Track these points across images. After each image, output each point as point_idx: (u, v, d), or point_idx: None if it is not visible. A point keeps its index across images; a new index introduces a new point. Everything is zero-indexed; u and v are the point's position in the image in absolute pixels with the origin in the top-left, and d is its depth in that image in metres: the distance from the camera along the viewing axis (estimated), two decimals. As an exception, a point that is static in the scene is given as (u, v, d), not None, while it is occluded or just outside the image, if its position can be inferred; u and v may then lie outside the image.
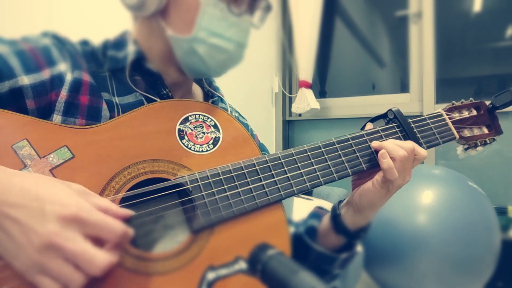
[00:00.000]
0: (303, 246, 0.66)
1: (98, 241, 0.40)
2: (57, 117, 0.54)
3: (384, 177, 0.59)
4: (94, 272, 0.39)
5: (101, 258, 0.39)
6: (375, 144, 0.62)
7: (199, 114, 0.60)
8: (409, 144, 0.60)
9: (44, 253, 0.37)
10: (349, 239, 0.65)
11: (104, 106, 0.57)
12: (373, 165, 0.63)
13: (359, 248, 1.26)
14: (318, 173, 0.59)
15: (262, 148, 0.77)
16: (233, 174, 0.55)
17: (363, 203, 0.62)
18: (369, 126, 0.66)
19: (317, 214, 0.72)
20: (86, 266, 0.38)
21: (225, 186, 0.54)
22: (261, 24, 0.65)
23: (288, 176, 0.58)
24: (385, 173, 0.58)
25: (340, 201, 0.67)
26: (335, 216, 0.65)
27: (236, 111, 0.80)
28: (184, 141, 0.56)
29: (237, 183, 0.55)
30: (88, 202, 0.42)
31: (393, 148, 0.59)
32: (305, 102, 2.10)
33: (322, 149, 0.61)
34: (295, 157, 0.59)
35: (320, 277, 0.35)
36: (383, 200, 0.62)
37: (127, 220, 0.43)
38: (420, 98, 1.97)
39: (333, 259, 0.65)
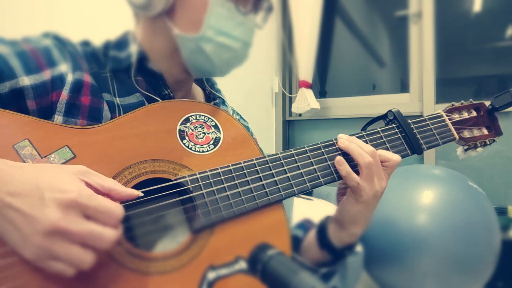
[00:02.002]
0: None
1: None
2: (58, 118, 0.54)
3: (349, 185, 0.58)
4: (104, 247, 0.40)
5: (108, 232, 0.40)
6: (342, 144, 0.60)
7: (200, 115, 0.60)
8: (370, 148, 0.59)
9: (50, 239, 0.38)
10: (333, 256, 0.64)
11: (105, 106, 0.58)
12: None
13: (359, 248, 1.26)
14: (318, 173, 0.60)
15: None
16: (233, 174, 0.55)
17: (344, 218, 0.61)
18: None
19: (304, 225, 0.71)
20: (95, 243, 0.39)
21: (226, 186, 0.54)
22: (264, 24, 0.65)
23: (288, 176, 0.58)
24: (346, 180, 0.58)
25: (329, 216, 0.67)
26: (321, 229, 0.64)
27: (238, 114, 0.81)
28: (184, 141, 0.57)
29: (237, 183, 0.55)
30: (91, 181, 0.43)
31: (358, 154, 0.58)
32: (305, 102, 2.10)
33: (322, 150, 0.61)
34: (296, 157, 0.59)
35: None
36: (364, 213, 0.60)
37: (128, 217, 0.44)
38: (420, 98, 1.97)
39: (312, 271, 0.64)
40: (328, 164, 0.60)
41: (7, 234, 0.40)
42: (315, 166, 0.60)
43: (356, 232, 0.61)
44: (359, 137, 0.64)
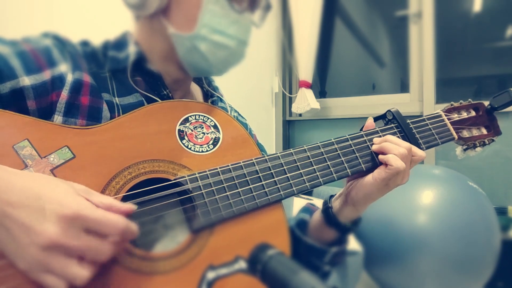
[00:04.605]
0: (294, 239, 0.67)
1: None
2: (57, 118, 0.54)
3: (388, 170, 0.59)
4: (101, 260, 0.40)
5: (106, 247, 0.40)
6: (375, 147, 0.63)
7: (199, 115, 0.60)
8: (406, 144, 0.61)
9: (47, 252, 0.38)
10: (341, 233, 0.65)
11: (105, 106, 0.58)
12: (373, 165, 0.63)
13: (359, 248, 1.25)
14: (317, 173, 0.60)
15: (261, 148, 0.77)
16: (233, 174, 0.55)
17: (359, 197, 0.62)
18: (370, 121, 0.67)
19: (308, 209, 0.72)
20: (92, 257, 0.39)
21: (225, 186, 0.54)
22: (262, 23, 0.65)
23: (287, 176, 0.58)
24: (389, 162, 0.59)
25: (332, 195, 0.68)
26: (327, 209, 0.65)
27: (235, 111, 0.81)
28: (184, 141, 0.57)
29: (236, 183, 0.55)
30: (91, 200, 0.42)
31: (392, 147, 0.60)
32: (305, 102, 2.10)
33: (322, 149, 0.61)
34: (295, 157, 0.60)
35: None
36: (380, 195, 0.62)
37: (129, 217, 0.44)
38: (420, 98, 1.97)
39: (323, 252, 0.65)
40: (328, 164, 0.61)
41: (3, 244, 0.39)
42: (315, 166, 0.60)
43: (362, 209, 0.64)
44: (358, 137, 0.64)
